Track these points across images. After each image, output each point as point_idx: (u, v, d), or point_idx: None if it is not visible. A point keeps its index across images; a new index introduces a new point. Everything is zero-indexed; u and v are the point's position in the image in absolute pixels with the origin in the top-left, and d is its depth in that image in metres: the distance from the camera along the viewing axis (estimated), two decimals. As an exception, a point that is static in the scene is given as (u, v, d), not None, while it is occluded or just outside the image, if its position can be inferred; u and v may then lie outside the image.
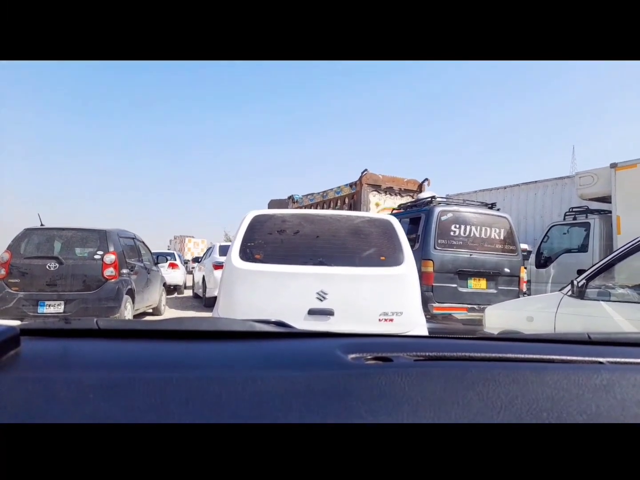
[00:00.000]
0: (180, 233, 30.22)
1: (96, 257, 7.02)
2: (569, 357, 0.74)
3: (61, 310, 6.66)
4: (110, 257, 6.98)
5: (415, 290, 3.23)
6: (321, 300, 3.01)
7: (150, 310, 8.91)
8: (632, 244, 3.03)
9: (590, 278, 3.17)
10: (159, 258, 9.75)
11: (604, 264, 3.18)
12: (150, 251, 9.47)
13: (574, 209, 8.79)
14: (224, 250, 10.34)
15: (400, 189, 11.05)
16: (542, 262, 8.51)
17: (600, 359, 0.74)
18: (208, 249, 12.70)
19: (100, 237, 7.23)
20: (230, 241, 16.97)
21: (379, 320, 3.04)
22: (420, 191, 10.83)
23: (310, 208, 12.46)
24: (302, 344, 0.78)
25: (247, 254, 3.20)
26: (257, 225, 3.40)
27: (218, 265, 9.55)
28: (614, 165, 7.86)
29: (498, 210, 7.41)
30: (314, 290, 3.02)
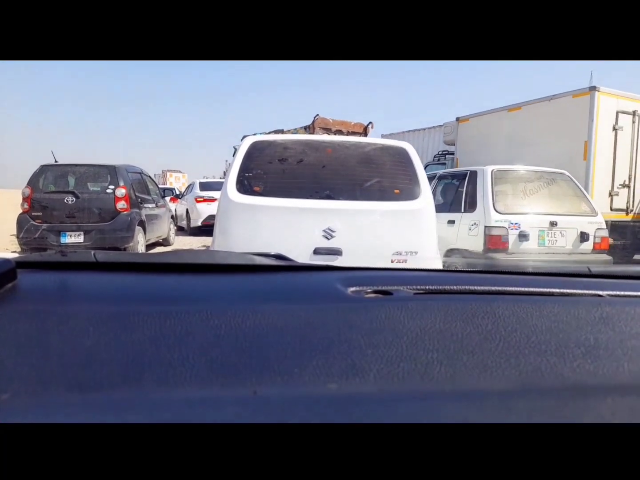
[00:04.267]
0: (168, 168, 31.25)
1: (108, 191, 7.33)
2: (569, 290, 0.74)
3: (81, 240, 7.07)
4: (121, 191, 7.28)
5: (432, 227, 2.96)
6: (328, 239, 2.76)
7: (161, 241, 9.35)
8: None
9: None
10: (165, 192, 10.28)
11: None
12: (157, 185, 9.90)
13: (441, 152, 11.30)
14: (204, 186, 11.63)
15: (348, 131, 12.14)
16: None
17: (600, 292, 0.73)
18: (188, 186, 13.58)
19: (110, 172, 7.53)
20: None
21: (392, 261, 2.79)
22: (366, 134, 12.12)
23: None
24: (301, 277, 0.77)
25: (244, 185, 2.89)
26: (255, 153, 3.05)
27: (200, 199, 11.02)
28: (457, 119, 10.04)
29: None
30: (320, 228, 2.76)
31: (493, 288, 0.72)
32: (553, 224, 4.60)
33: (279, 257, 0.88)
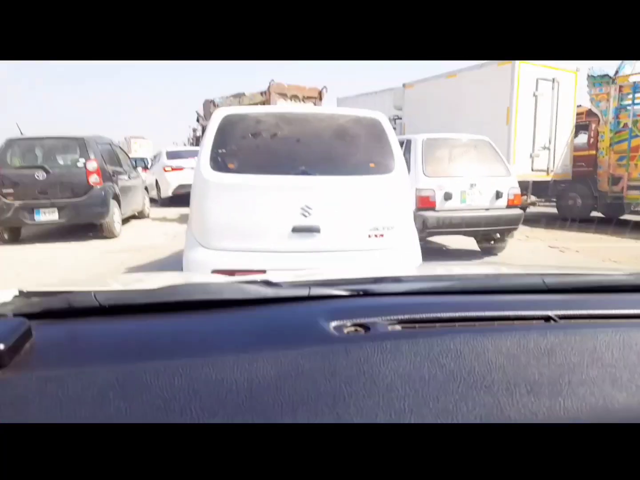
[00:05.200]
0: (132, 134, 29.70)
1: (79, 164, 7.25)
2: (522, 313, 0.77)
3: (56, 218, 7.10)
4: (92, 164, 7.22)
5: (408, 201, 3.00)
6: (305, 216, 2.72)
7: (137, 214, 9.44)
8: None
9: None
10: (137, 162, 10.22)
11: None
12: (128, 156, 9.76)
13: (392, 117, 11.41)
14: (171, 155, 11.73)
15: (303, 95, 12.68)
16: None
17: (551, 313, 0.76)
18: (155, 156, 13.55)
19: (80, 145, 7.37)
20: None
21: (369, 236, 2.79)
22: (320, 98, 12.82)
23: None
24: (286, 312, 0.80)
25: (218, 162, 2.81)
26: (227, 128, 2.94)
27: (168, 169, 11.27)
28: (404, 85, 10.92)
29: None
30: (297, 205, 2.71)
31: (456, 314, 0.75)
32: (472, 184, 5.59)
33: (266, 282, 0.89)
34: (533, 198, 9.00)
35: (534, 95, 8.45)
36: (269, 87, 12.39)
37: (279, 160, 2.94)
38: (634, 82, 8.57)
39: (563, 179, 9.41)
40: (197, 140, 19.07)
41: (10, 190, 6.98)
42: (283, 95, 12.44)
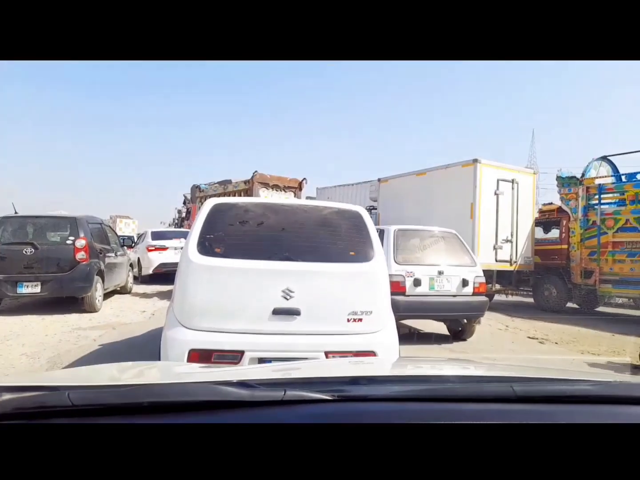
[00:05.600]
0: (117, 213, 30.52)
1: (68, 242, 7.63)
2: (490, 423, 0.78)
3: (38, 290, 7.38)
4: (81, 242, 7.62)
5: (385, 288, 3.08)
6: (287, 299, 2.79)
7: (119, 289, 9.73)
8: None
9: None
10: (125, 241, 10.60)
11: None
12: (116, 234, 10.25)
13: (368, 207, 12.36)
14: (156, 236, 12.15)
15: (284, 186, 13.63)
16: None
17: (523, 422, 0.77)
18: (140, 235, 14.14)
19: (71, 224, 7.83)
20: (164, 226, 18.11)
21: (347, 320, 2.88)
22: (300, 189, 13.76)
23: (214, 197, 14.74)
24: (260, 418, 0.81)
25: (205, 247, 2.93)
26: (217, 215, 3.11)
27: (151, 248, 11.66)
28: (379, 180, 12.10)
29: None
30: (279, 288, 2.80)
31: (428, 423, 0.77)
32: (440, 272, 6.07)
33: (241, 384, 0.89)
34: (497, 286, 9.52)
35: (495, 193, 9.32)
36: (252, 177, 13.37)
37: (265, 246, 3.06)
38: (599, 184, 9.41)
39: (526, 269, 10.06)
40: (181, 222, 19.86)
41: (-3, 264, 7.24)
42: (265, 185, 13.31)
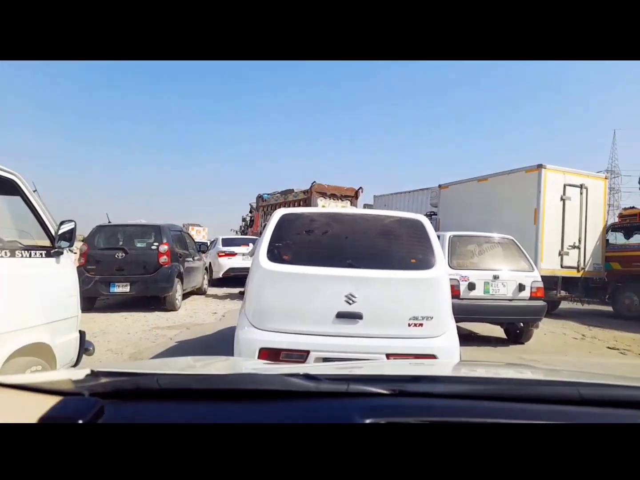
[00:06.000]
0: (188, 221, 32.43)
1: (153, 247, 8.57)
2: (557, 422, 0.77)
3: (127, 290, 8.33)
4: (164, 247, 8.52)
5: (446, 294, 3.13)
6: (350, 304, 2.92)
7: (195, 290, 10.62)
8: None
9: None
10: (201, 246, 11.52)
11: None
12: (194, 241, 11.20)
13: (428, 213, 12.80)
14: (226, 242, 12.86)
15: (341, 194, 14.19)
16: None
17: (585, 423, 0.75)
18: (212, 241, 14.86)
19: (155, 231, 8.80)
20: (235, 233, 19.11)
21: (409, 325, 2.96)
22: (356, 197, 14.25)
23: (275, 206, 15.92)
24: (324, 407, 0.84)
25: (274, 254, 3.11)
26: (285, 225, 3.31)
27: (222, 254, 12.49)
28: (440, 186, 12.08)
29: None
30: (342, 293, 2.93)
31: (487, 421, 0.78)
32: (496, 277, 6.16)
33: (307, 376, 0.92)
34: (563, 293, 9.24)
35: (562, 199, 9.06)
36: (311, 187, 14.17)
37: (329, 253, 3.21)
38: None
39: (595, 276, 9.66)
40: (246, 228, 21.02)
41: (94, 267, 8.32)
42: (323, 194, 14.02)
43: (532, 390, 1.02)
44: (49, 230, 3.06)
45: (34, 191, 3.00)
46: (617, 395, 0.97)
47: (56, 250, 3.05)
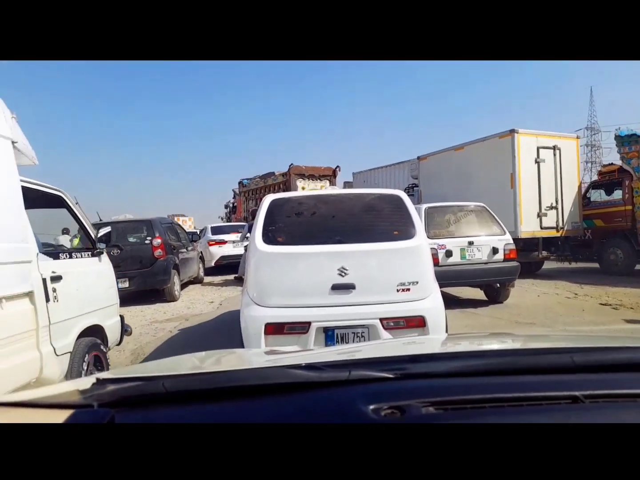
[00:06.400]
0: (173, 212, 32.31)
1: (146, 242, 8.71)
2: (550, 394, 0.81)
3: (127, 285, 8.44)
4: (157, 241, 8.67)
5: (428, 260, 3.39)
6: (342, 276, 3.16)
7: (192, 280, 10.86)
8: None
9: None
10: (193, 236, 11.73)
11: None
12: (185, 232, 11.36)
13: (410, 185, 13.28)
14: (215, 231, 12.93)
15: (319, 174, 14.35)
16: None
17: (578, 394, 0.78)
18: (202, 230, 14.82)
19: (147, 226, 8.90)
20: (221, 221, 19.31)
21: (397, 290, 3.21)
22: (334, 175, 14.43)
23: (256, 191, 16.47)
24: (328, 397, 0.85)
25: (269, 237, 3.34)
26: (275, 210, 3.54)
27: (212, 242, 12.61)
28: (418, 157, 12.34)
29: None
30: (335, 267, 3.18)
31: (486, 396, 0.81)
32: (471, 243, 6.54)
33: (310, 367, 0.95)
34: (545, 253, 9.61)
35: (536, 161, 9.33)
36: (289, 169, 14.33)
37: (319, 232, 3.46)
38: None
39: (574, 235, 9.98)
40: (230, 215, 21.23)
41: (90, 266, 8.59)
42: (301, 176, 14.22)
43: (525, 361, 1.06)
44: (90, 235, 3.74)
45: (76, 203, 3.59)
46: (609, 359, 1.00)
47: (98, 250, 3.75)
